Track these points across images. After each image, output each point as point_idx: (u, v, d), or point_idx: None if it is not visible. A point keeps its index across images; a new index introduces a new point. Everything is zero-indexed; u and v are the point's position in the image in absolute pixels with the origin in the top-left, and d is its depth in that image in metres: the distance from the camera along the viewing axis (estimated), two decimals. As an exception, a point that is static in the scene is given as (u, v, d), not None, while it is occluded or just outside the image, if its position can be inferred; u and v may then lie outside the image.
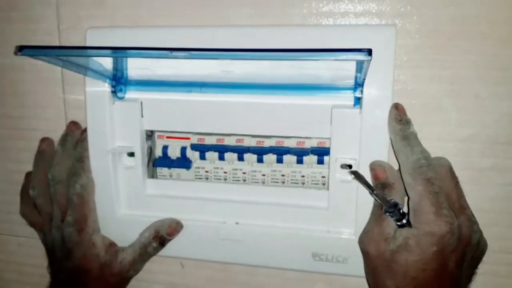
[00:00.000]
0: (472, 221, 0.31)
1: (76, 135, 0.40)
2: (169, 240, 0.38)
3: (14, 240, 0.47)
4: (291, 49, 0.28)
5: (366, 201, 0.34)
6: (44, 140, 0.42)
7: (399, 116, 0.33)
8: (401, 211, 0.31)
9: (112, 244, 0.40)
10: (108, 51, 0.31)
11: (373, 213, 0.34)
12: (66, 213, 0.38)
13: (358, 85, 0.34)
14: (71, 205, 0.37)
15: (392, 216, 0.31)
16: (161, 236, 0.38)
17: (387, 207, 0.31)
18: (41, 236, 0.41)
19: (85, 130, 0.39)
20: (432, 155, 0.34)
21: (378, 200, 0.32)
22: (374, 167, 0.33)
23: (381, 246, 0.31)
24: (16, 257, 0.48)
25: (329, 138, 0.36)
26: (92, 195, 0.38)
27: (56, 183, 0.38)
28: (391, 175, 0.32)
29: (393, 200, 0.31)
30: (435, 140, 0.35)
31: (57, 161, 0.39)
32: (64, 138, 0.40)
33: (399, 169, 0.32)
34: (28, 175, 0.43)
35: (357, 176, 0.33)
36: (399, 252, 0.30)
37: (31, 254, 0.47)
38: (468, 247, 0.31)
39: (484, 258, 0.33)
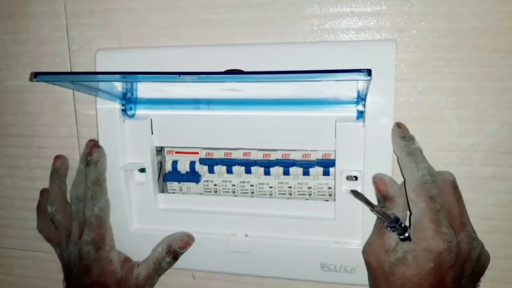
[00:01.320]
0: (472, 237, 0.32)
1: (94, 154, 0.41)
2: (182, 253, 0.40)
3: (28, 255, 0.50)
4: (293, 70, 0.30)
5: (371, 213, 0.36)
6: (58, 157, 0.44)
7: (402, 133, 0.34)
8: (403, 225, 0.33)
9: (127, 259, 0.42)
10: (119, 76, 0.33)
11: (375, 225, 0.35)
12: (83, 230, 0.40)
13: (361, 99, 0.36)
14: (89, 225, 0.39)
15: (393, 231, 0.33)
16: (174, 250, 0.40)
17: (389, 222, 0.33)
18: (58, 251, 0.43)
19: (93, 150, 0.41)
20: (435, 165, 0.36)
21: (379, 216, 0.34)
22: (375, 180, 0.35)
23: (381, 258, 0.33)
24: (30, 272, 0.50)
25: (334, 151, 0.38)
26: (108, 214, 0.40)
27: (80, 201, 0.40)
28: (391, 188, 0.34)
29: (394, 215, 0.33)
30: (438, 150, 0.37)
31: (80, 179, 0.41)
32: (85, 156, 0.41)
33: (404, 184, 0.34)
34: (44, 192, 0.45)
35: (357, 194, 0.35)
36: (397, 265, 0.32)
37: (46, 268, 0.49)
38: (467, 263, 0.32)
39: (489, 265, 0.35)
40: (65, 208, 0.42)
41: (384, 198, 0.34)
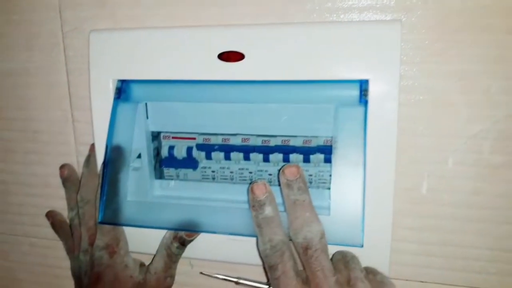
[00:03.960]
0: None
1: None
2: (189, 241, 0.40)
3: (25, 240, 0.51)
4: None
5: (373, 201, 0.36)
6: (63, 167, 0.45)
7: (252, 201, 0.34)
8: None
9: (142, 264, 0.42)
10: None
11: None
12: (94, 236, 0.40)
13: (364, 82, 0.36)
14: (101, 228, 0.39)
15: None
16: (180, 236, 0.39)
17: None
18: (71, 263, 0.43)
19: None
20: (442, 153, 0.36)
21: None
22: None
23: None
24: (28, 258, 0.52)
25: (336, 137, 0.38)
26: None
27: (85, 203, 0.41)
28: None
29: None
30: (444, 136, 0.37)
31: (84, 182, 0.41)
32: (88, 159, 0.42)
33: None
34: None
35: None
36: None
37: (43, 254, 0.50)
38: None
39: (496, 257, 0.35)
40: None
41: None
